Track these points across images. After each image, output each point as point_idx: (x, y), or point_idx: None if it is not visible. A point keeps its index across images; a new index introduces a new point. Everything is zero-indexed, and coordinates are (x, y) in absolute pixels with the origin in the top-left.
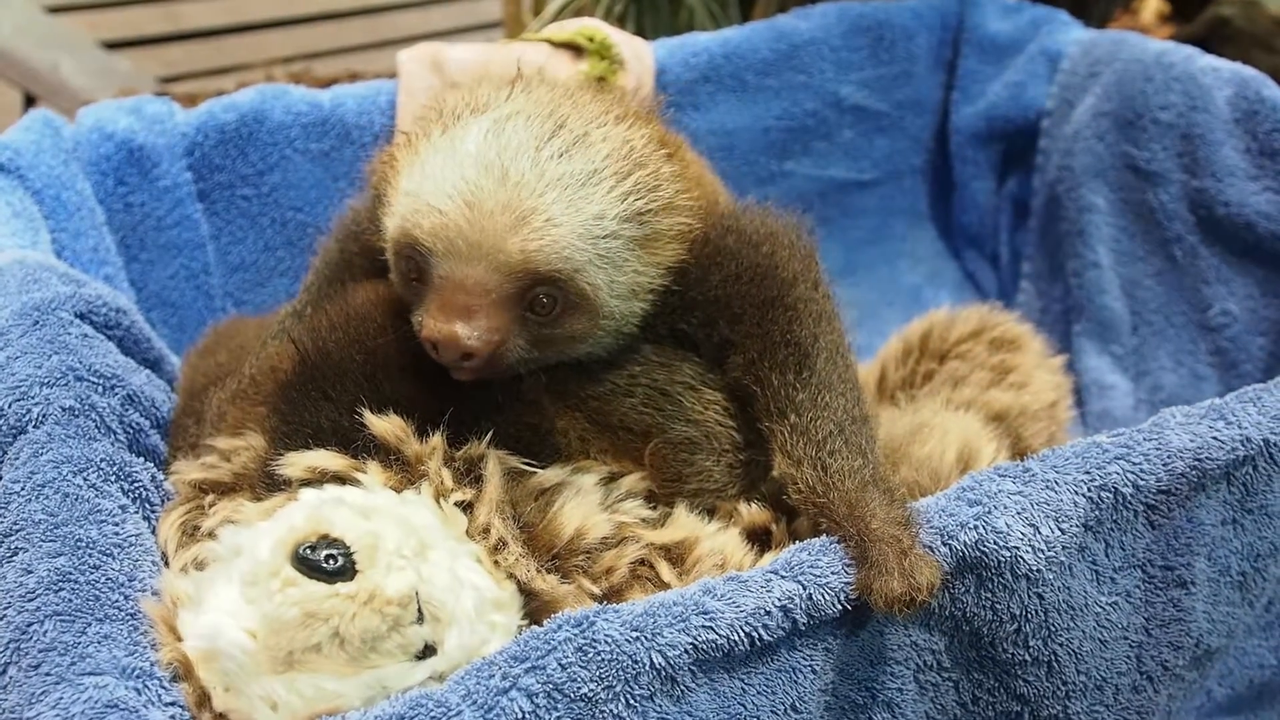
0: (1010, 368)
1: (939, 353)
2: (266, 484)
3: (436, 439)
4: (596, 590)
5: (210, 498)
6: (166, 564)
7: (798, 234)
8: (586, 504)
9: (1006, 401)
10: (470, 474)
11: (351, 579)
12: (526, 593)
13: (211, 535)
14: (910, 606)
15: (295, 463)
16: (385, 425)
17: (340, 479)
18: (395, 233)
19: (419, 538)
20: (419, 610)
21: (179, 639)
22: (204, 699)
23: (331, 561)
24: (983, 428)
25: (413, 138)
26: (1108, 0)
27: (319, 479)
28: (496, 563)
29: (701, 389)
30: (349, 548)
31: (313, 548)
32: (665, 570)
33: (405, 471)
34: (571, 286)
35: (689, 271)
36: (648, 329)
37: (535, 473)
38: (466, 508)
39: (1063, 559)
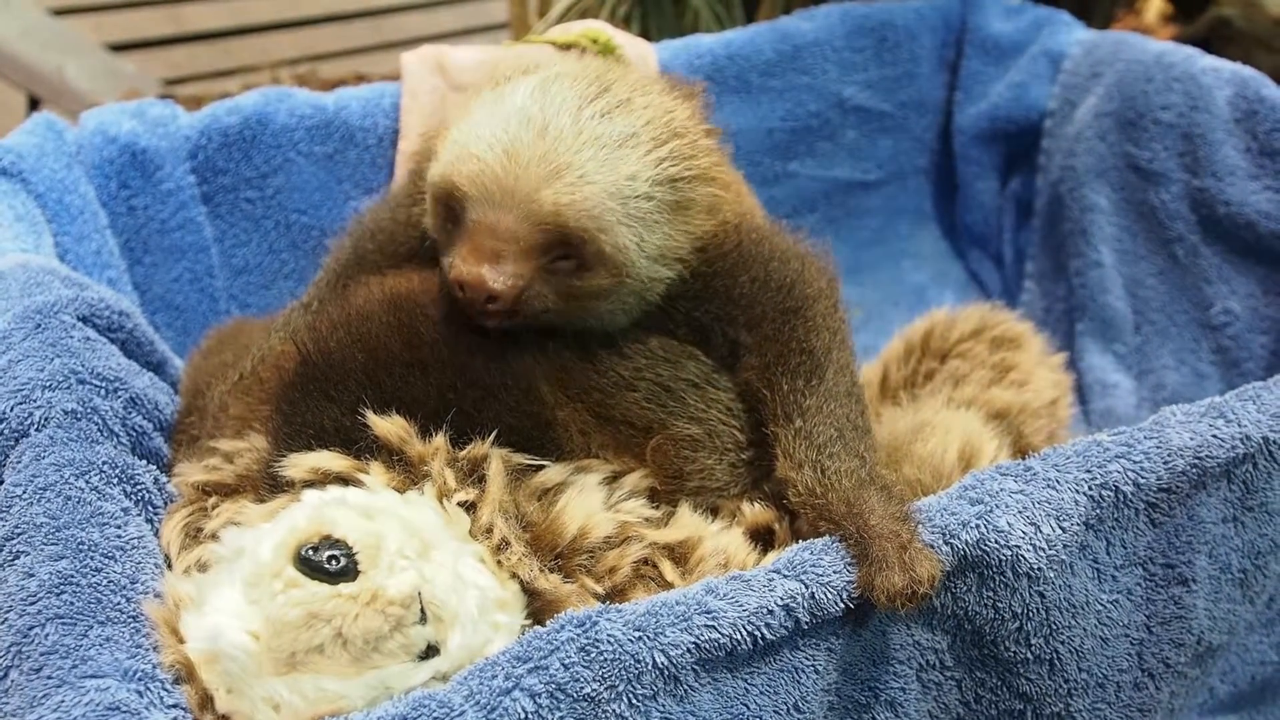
0: (1011, 366)
1: (940, 352)
2: (269, 485)
3: (439, 439)
4: (599, 590)
5: (213, 499)
6: (169, 566)
7: (825, 260)
8: (589, 503)
9: (1007, 399)
10: (473, 474)
11: (354, 580)
12: (529, 592)
13: (214, 537)
14: (912, 600)
15: (298, 464)
16: (388, 426)
17: (343, 480)
18: (437, 177)
19: (421, 538)
20: (421, 611)
21: (181, 641)
22: (206, 701)
23: (334, 562)
24: (984, 426)
25: (468, 99)
26: (1110, 1)
27: (321, 480)
28: (499, 563)
29: (706, 387)
30: (351, 548)
31: (315, 549)
32: (668, 569)
33: (408, 472)
34: (596, 242)
35: (718, 262)
36: (668, 313)
37: (538, 472)
38: (469, 508)
39: (1064, 557)
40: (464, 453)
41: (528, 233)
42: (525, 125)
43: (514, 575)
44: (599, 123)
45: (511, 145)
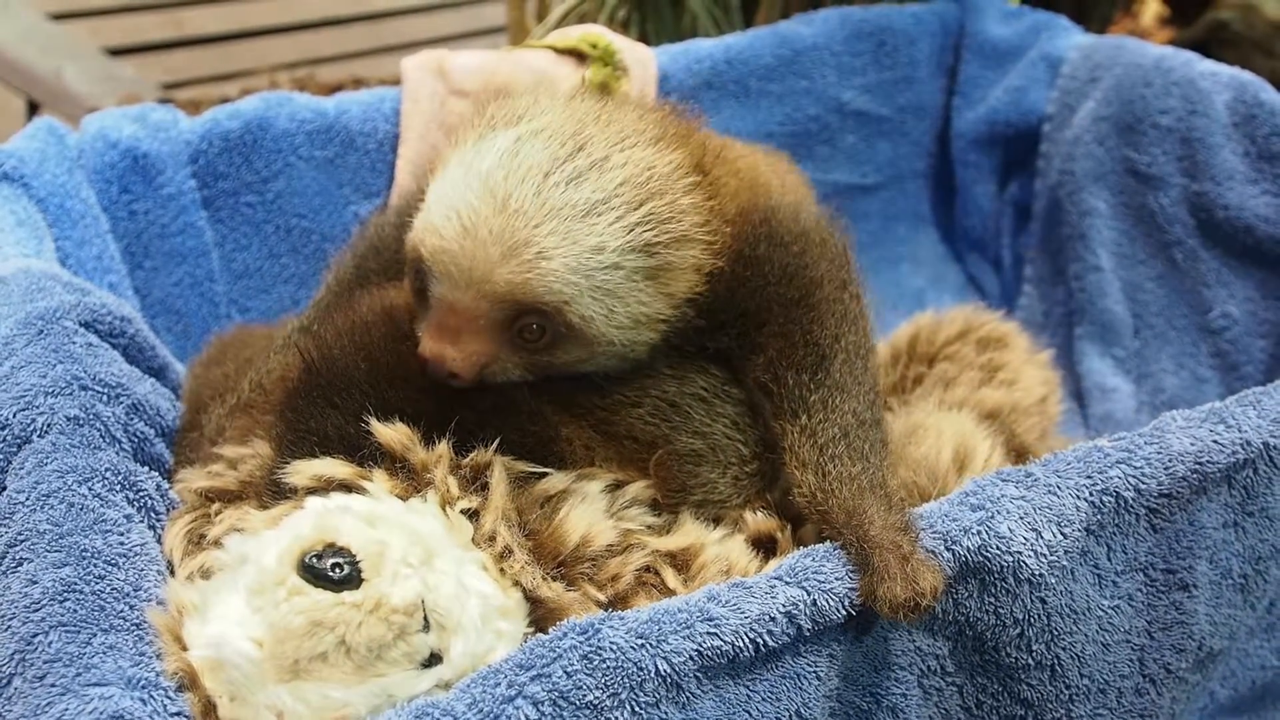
0: (999, 365)
1: (927, 356)
2: (273, 492)
3: (442, 447)
4: (602, 597)
5: (216, 506)
6: (172, 573)
7: (830, 233)
8: (592, 511)
9: (998, 399)
10: (476, 481)
11: (358, 587)
12: (532, 600)
13: (217, 544)
14: (915, 612)
15: (301, 471)
16: (391, 433)
17: (346, 487)
18: (408, 244)
19: (425, 546)
20: (425, 618)
21: (185, 648)
22: (210, 708)
23: (338, 570)
24: (976, 426)
25: (457, 138)
26: (1108, 4)
27: (325, 487)
28: (502, 570)
29: (712, 401)
30: (355, 556)
31: (319, 556)
32: (670, 577)
33: (411, 479)
34: (559, 318)
35: (715, 300)
36: (675, 349)
37: (541, 479)
38: (472, 515)
39: (1065, 563)
40: (467, 460)
41: (486, 310)
42: (487, 197)
43: (516, 583)
44: (565, 190)
45: (471, 221)
